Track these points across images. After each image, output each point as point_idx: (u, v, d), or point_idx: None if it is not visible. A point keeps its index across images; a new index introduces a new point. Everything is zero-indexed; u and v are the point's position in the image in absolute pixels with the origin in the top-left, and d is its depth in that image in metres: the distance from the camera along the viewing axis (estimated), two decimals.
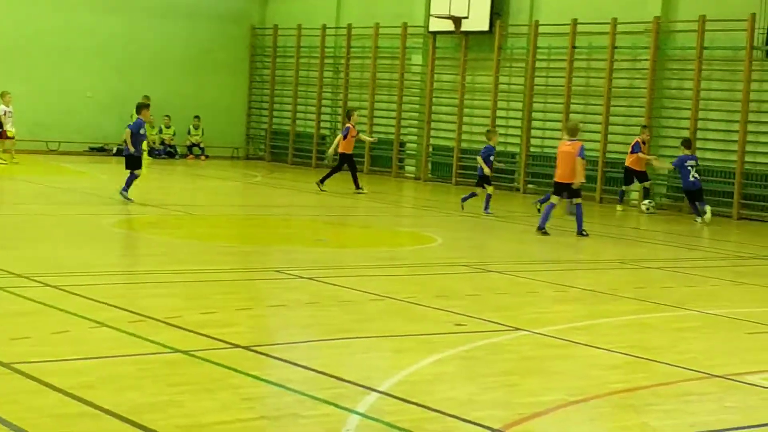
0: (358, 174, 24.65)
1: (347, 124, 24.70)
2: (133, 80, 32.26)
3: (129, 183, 19.20)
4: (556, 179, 17.96)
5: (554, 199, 17.90)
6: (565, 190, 17.78)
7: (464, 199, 20.90)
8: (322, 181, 24.24)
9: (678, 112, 24.27)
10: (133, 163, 19.38)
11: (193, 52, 33.49)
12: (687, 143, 22.41)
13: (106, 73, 32.16)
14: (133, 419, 6.45)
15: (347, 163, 24.41)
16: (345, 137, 24.32)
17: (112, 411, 6.59)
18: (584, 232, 17.66)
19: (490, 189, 20.70)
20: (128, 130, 19.37)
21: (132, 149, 19.29)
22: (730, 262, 16.32)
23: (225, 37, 34.20)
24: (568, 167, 17.62)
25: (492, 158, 20.78)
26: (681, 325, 10.75)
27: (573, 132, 17.93)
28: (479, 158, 20.85)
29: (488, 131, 22.40)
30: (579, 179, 17.58)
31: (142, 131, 19.62)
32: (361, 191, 24.06)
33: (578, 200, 17.79)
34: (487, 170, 20.57)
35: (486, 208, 20.51)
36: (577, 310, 11.30)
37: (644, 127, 23.54)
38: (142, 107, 20.11)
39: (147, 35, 32.71)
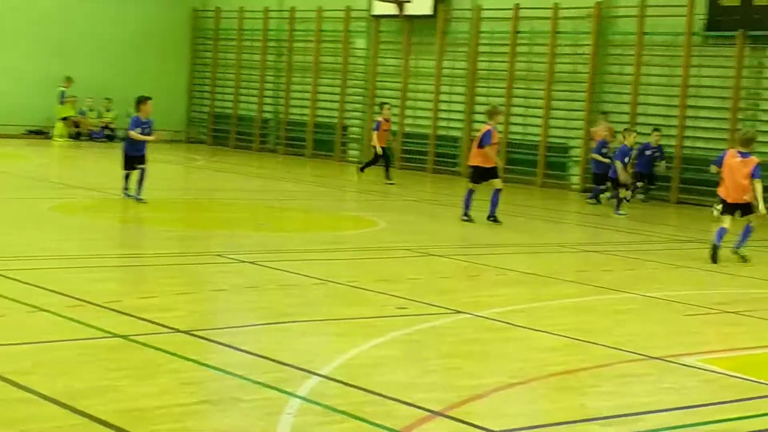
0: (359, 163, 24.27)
1: (378, 118, 24.28)
2: (74, 63, 31.85)
3: (139, 183, 17.31)
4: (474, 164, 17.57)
5: (497, 183, 17.30)
6: (486, 174, 17.17)
7: (615, 206, 19.83)
8: (387, 177, 23.74)
9: (619, 96, 24.48)
10: (129, 162, 17.51)
11: (135, 34, 33.13)
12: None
13: (45, 55, 31.68)
14: (71, 405, 6.39)
15: (381, 154, 23.92)
16: (377, 130, 23.84)
17: (50, 396, 6.53)
18: (465, 218, 17.09)
19: (624, 192, 19.94)
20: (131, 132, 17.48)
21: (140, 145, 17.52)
22: (669, 245, 16.53)
23: (166, 20, 33.89)
24: (479, 151, 17.18)
25: (627, 159, 20.04)
26: (620, 308, 10.87)
27: (489, 115, 17.51)
28: (617, 162, 20.01)
29: (625, 130, 20.96)
30: (491, 163, 17.04)
31: (138, 130, 17.44)
32: (391, 182, 23.58)
33: (473, 186, 17.15)
34: (623, 175, 19.72)
35: (617, 208, 19.80)
36: (518, 294, 11.38)
37: (602, 113, 23.66)
38: (139, 102, 17.77)
39: (88, 17, 32.30)
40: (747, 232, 14.69)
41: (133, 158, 17.56)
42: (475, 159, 17.26)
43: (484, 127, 17.27)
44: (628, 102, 23.93)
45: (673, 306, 11.08)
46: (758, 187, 14.41)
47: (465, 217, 17.18)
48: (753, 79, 22.58)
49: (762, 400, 7.49)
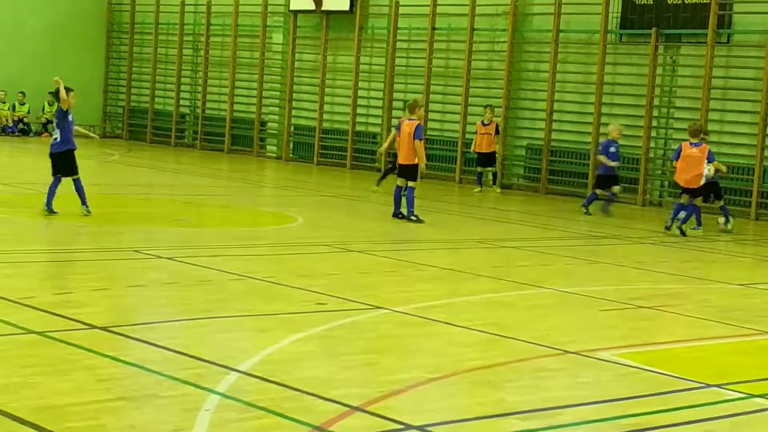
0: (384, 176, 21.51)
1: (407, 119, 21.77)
2: None
3: (51, 191, 15.09)
4: (399, 161, 17.11)
5: (400, 182, 16.89)
6: (409, 172, 16.76)
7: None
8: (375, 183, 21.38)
9: (535, 93, 24.70)
10: (61, 166, 15.18)
11: (49, 27, 32.54)
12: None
13: None
14: None
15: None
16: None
17: None
18: (414, 218, 16.64)
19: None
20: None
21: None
22: (585, 241, 16.74)
23: (81, 13, 33.33)
24: (405, 148, 16.78)
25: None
26: (537, 303, 10.98)
27: (411, 109, 16.93)
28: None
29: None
30: (421, 161, 16.67)
31: (64, 119, 15.08)
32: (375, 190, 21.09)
33: (413, 183, 16.70)
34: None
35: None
36: (436, 289, 11.44)
37: (486, 107, 23.59)
38: (68, 91, 15.18)
39: None
40: (692, 210, 17.26)
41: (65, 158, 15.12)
42: (410, 156, 16.74)
43: (413, 123, 16.71)
44: (545, 99, 24.15)
45: (588, 301, 11.22)
46: (712, 167, 17.08)
47: (414, 218, 16.71)
48: (667, 77, 22.96)
49: (677, 394, 7.61)
